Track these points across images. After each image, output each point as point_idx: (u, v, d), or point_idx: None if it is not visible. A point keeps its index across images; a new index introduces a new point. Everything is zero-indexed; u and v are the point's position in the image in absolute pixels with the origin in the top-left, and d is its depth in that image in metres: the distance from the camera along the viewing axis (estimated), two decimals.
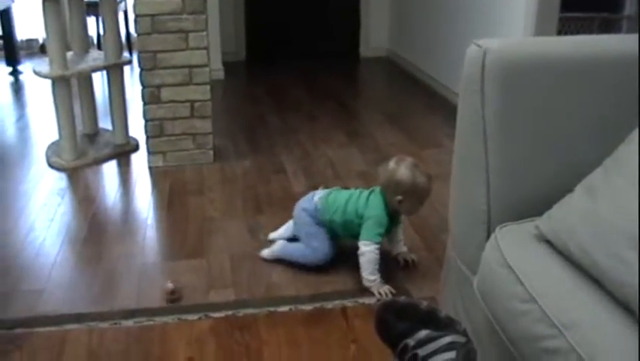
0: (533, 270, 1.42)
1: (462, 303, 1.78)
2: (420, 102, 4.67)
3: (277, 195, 3.12)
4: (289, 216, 2.83)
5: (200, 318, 2.16)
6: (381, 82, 5.43)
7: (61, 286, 2.39)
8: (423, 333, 1.37)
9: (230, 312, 2.19)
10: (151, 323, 2.14)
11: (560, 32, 3.74)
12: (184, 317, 2.17)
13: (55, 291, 2.36)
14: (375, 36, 6.04)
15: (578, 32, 4.03)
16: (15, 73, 5.37)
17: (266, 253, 2.54)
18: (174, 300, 2.27)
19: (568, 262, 1.40)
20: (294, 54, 6.00)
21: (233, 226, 2.83)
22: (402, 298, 1.68)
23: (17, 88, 5.09)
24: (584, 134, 1.60)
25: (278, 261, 2.51)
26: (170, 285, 2.28)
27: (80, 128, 3.86)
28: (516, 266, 1.45)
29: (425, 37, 5.12)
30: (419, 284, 2.38)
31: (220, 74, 5.25)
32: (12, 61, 5.35)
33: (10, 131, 4.09)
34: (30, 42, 6.17)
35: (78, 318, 2.17)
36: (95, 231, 2.80)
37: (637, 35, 1.61)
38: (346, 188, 2.59)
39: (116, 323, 2.14)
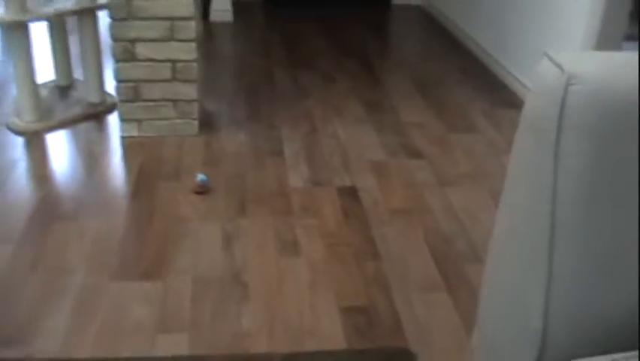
0: None
1: None
2: (455, 66, 3.98)
3: (268, 189, 2.53)
4: (275, 221, 2.29)
5: None
6: (413, 38, 4.71)
7: None
8: None
9: None
10: None
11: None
12: None
13: None
14: None
15: None
16: None
17: None
18: (201, 192, 2.46)
19: None
20: None
21: (207, 231, 2.26)
22: None
23: None
24: None
25: (252, 297, 1.95)
26: (198, 180, 2.46)
27: (53, 78, 3.28)
28: None
29: None
30: (431, 345, 1.80)
31: (227, 16, 4.58)
32: None
33: None
34: None
35: None
36: (36, 228, 2.25)
37: None
38: None
39: None
